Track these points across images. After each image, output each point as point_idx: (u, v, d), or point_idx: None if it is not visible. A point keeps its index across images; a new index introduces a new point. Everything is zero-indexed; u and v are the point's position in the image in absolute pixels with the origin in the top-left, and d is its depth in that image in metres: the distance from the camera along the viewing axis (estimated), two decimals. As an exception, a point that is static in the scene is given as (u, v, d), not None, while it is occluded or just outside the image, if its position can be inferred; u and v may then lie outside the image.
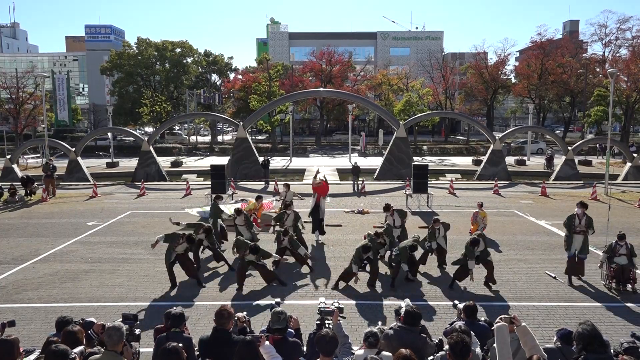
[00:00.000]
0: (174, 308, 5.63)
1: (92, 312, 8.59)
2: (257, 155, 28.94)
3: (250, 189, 23.85)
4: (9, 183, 22.78)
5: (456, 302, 6.34)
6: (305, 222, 13.49)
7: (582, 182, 26.47)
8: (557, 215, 17.46)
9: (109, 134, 42.57)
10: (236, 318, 5.43)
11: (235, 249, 10.96)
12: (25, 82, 48.13)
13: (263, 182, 26.18)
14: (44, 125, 34.99)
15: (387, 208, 12.35)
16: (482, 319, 6.06)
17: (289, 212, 13.04)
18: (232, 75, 67.50)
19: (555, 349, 5.02)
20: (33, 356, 4.86)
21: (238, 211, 12.62)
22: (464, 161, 39.70)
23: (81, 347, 4.50)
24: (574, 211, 10.80)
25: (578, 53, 57.01)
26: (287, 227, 12.85)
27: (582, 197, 21.58)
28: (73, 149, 28.15)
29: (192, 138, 58.29)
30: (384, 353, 4.55)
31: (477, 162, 34.19)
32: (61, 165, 28.63)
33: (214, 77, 69.33)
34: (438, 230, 11.37)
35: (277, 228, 12.64)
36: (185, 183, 24.19)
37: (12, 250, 13.30)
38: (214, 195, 15.26)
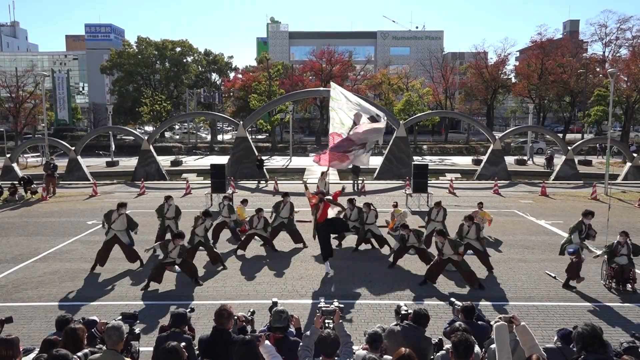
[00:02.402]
0: (189, 308, 5.60)
1: (92, 311, 8.59)
2: (257, 154, 28.94)
3: (250, 189, 23.88)
4: (10, 182, 22.76)
5: (452, 299, 6.33)
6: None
7: (582, 182, 26.47)
8: (557, 215, 17.47)
9: (110, 132, 42.53)
10: (236, 317, 5.43)
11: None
12: (25, 81, 48.10)
13: (256, 182, 26.17)
14: (43, 124, 34.97)
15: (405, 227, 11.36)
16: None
17: (286, 200, 13.09)
18: (232, 75, 67.47)
19: (556, 349, 5.02)
20: (32, 355, 4.85)
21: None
22: (464, 161, 39.69)
23: (86, 350, 4.48)
24: (583, 220, 10.57)
25: (578, 53, 56.96)
26: (283, 217, 12.95)
27: (582, 196, 21.64)
28: (73, 148, 28.14)
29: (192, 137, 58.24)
30: (386, 357, 4.54)
31: (477, 162, 34.19)
32: (61, 164, 28.61)
33: (214, 76, 69.31)
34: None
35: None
36: (185, 182, 24.19)
37: (12, 249, 13.30)
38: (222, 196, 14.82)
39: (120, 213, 11.32)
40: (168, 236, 11.86)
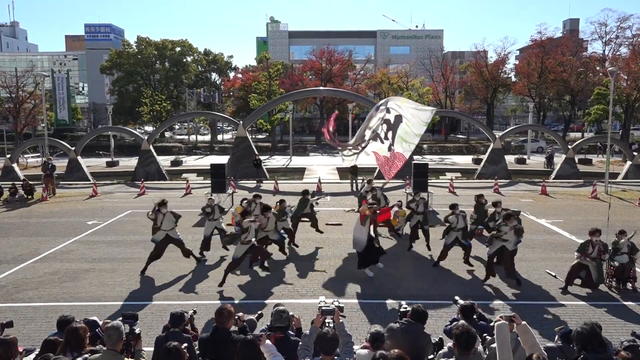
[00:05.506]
0: (192, 311, 5.62)
1: (93, 312, 8.57)
2: (256, 153, 28.93)
3: (250, 188, 23.87)
4: (10, 182, 22.76)
5: (456, 297, 6.26)
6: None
7: (582, 180, 26.46)
8: (558, 214, 17.46)
9: (110, 132, 42.53)
10: (236, 317, 5.42)
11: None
12: (25, 81, 48.11)
13: (255, 181, 26.17)
14: (43, 125, 34.98)
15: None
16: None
17: (283, 206, 13.25)
18: (232, 74, 67.44)
19: (556, 348, 5.02)
20: (32, 355, 4.85)
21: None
22: (464, 160, 39.67)
23: (85, 355, 4.47)
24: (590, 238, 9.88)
25: (578, 51, 56.95)
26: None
27: (582, 195, 21.63)
28: (73, 148, 28.14)
29: (192, 137, 58.26)
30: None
31: (477, 161, 34.18)
32: (61, 164, 28.61)
33: (214, 76, 69.30)
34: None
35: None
36: (186, 182, 24.18)
37: (12, 249, 13.30)
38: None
39: (164, 212, 10.90)
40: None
